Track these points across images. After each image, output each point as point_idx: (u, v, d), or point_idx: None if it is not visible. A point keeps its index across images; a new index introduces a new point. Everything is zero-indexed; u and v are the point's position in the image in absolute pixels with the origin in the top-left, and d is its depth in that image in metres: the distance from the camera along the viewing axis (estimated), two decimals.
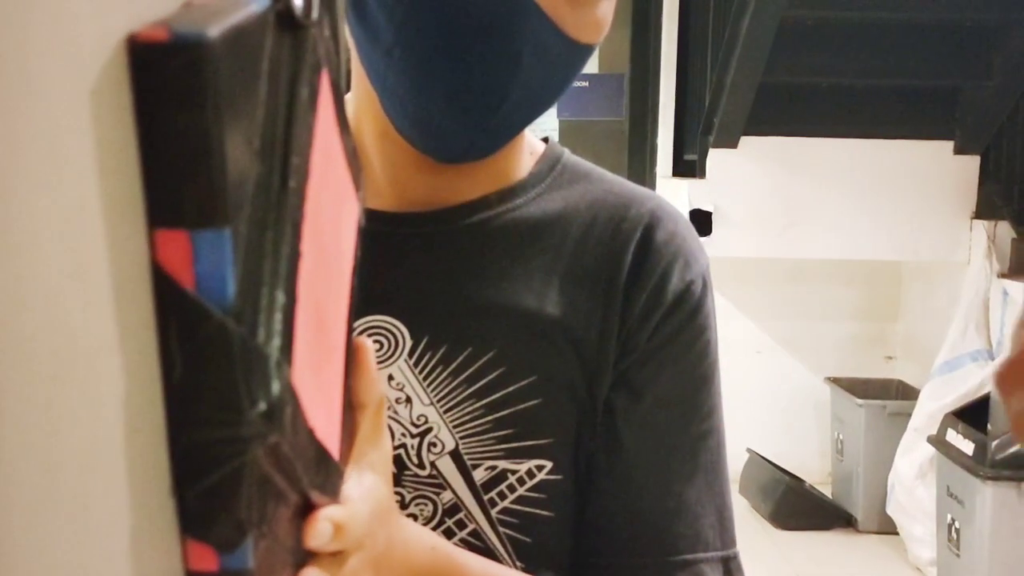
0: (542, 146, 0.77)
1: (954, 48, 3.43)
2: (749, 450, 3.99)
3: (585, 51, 0.67)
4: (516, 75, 0.62)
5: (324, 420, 0.41)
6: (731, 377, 4.59)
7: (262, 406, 0.31)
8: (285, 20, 0.33)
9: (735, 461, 3.97)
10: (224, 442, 0.30)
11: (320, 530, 0.44)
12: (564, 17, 0.63)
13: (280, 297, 0.33)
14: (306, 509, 0.44)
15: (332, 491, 0.46)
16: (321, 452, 0.42)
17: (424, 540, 0.58)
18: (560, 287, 0.71)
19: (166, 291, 0.29)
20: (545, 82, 0.66)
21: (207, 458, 0.31)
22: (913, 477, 3.40)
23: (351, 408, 0.51)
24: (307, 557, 0.46)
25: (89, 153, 0.26)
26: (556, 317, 0.70)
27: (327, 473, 0.44)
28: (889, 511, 3.55)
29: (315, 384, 0.39)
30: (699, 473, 0.72)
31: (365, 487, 0.50)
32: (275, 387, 0.32)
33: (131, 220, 0.28)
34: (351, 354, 0.50)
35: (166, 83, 0.27)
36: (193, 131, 0.27)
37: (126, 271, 0.27)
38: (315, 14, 0.35)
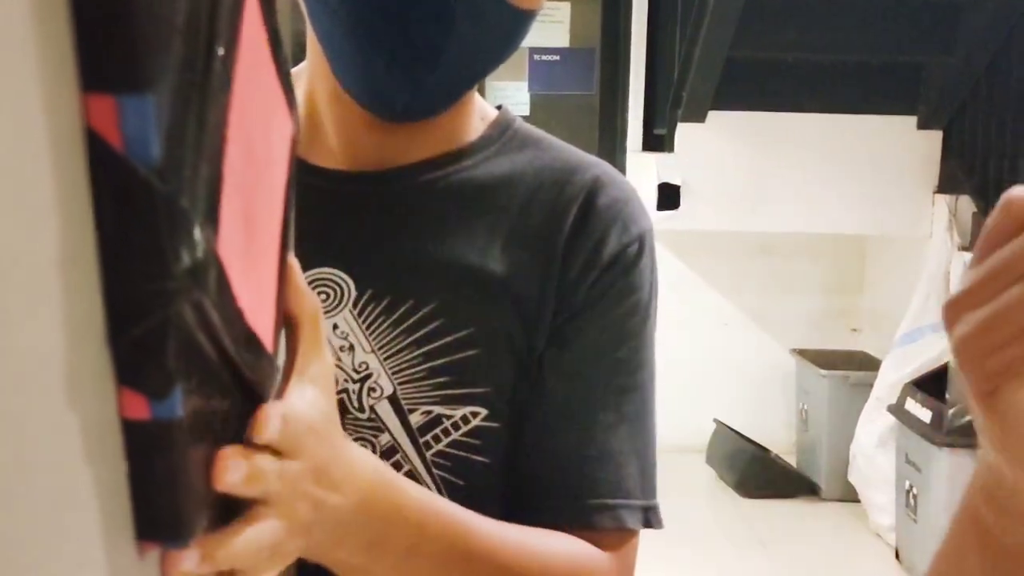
0: (495, 112, 0.81)
1: (917, 24, 3.48)
2: (716, 420, 4.06)
3: (524, 17, 0.70)
4: (451, 36, 0.66)
5: (256, 312, 0.44)
6: (699, 349, 4.63)
7: (186, 261, 0.34)
8: None
9: (702, 432, 4.04)
10: (151, 294, 0.34)
11: (266, 419, 0.46)
12: None
13: (204, 169, 0.36)
14: (242, 405, 0.46)
15: (266, 381, 0.49)
16: (252, 337, 0.44)
17: (368, 460, 0.60)
18: (503, 246, 0.74)
19: (98, 152, 0.32)
20: (484, 45, 0.69)
21: (136, 309, 0.34)
22: (874, 446, 3.47)
23: (290, 326, 0.54)
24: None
25: (25, 22, 0.29)
26: (498, 274, 0.73)
27: (259, 359, 0.46)
28: (851, 479, 3.62)
29: (244, 272, 0.41)
30: (623, 424, 0.74)
31: (307, 399, 0.52)
32: (199, 249, 0.35)
33: (67, 86, 0.31)
34: (284, 277, 0.52)
35: None
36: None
37: (63, 134, 0.31)
38: None
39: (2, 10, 0.28)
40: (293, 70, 0.75)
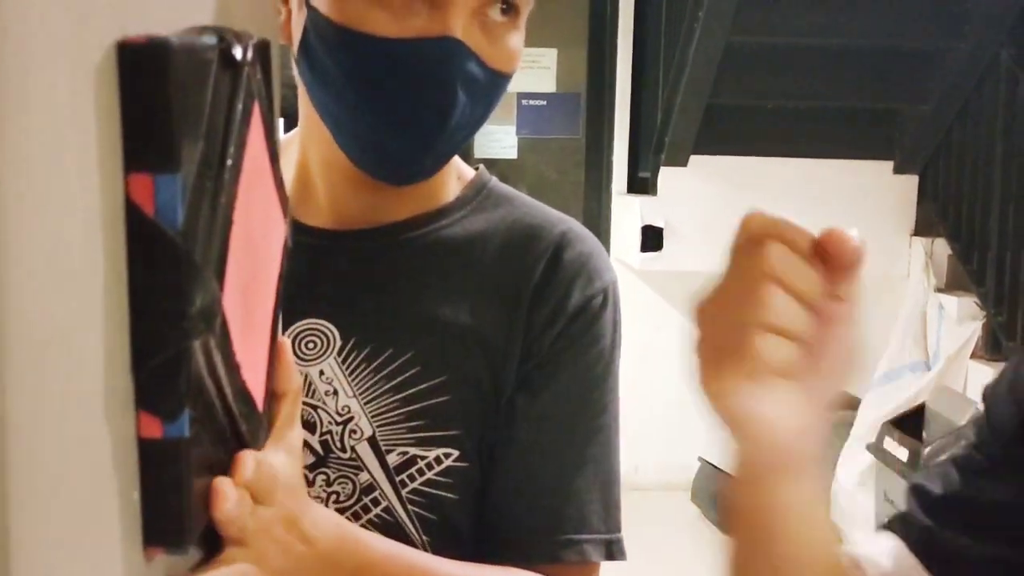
0: (471, 172, 0.88)
1: (892, 72, 3.59)
2: (700, 459, 4.10)
3: (505, 80, 0.78)
4: (455, 103, 0.73)
5: (250, 373, 0.52)
6: (683, 387, 4.65)
7: (199, 305, 0.42)
8: (226, 57, 0.46)
9: (687, 470, 4.08)
10: (170, 330, 0.42)
11: (245, 462, 0.53)
12: (486, 52, 0.74)
13: (216, 240, 0.44)
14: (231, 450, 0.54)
15: (257, 435, 0.56)
16: (246, 392, 0.52)
17: (330, 516, 0.68)
18: (475, 298, 0.81)
19: (135, 218, 0.41)
20: (475, 108, 0.77)
21: (156, 342, 0.42)
22: (854, 484, 3.51)
23: (274, 398, 0.61)
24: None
25: (91, 120, 0.38)
26: (469, 325, 0.80)
27: (252, 414, 0.54)
28: (832, 517, 3.66)
29: (242, 336, 0.49)
30: (588, 464, 0.81)
31: (281, 459, 0.60)
32: (209, 298, 0.43)
33: (113, 166, 0.39)
34: (275, 355, 0.60)
35: (143, 70, 0.39)
36: (158, 104, 0.40)
37: (110, 204, 0.39)
38: (249, 57, 0.47)
39: (81, 116, 0.37)
40: (284, 137, 0.82)
